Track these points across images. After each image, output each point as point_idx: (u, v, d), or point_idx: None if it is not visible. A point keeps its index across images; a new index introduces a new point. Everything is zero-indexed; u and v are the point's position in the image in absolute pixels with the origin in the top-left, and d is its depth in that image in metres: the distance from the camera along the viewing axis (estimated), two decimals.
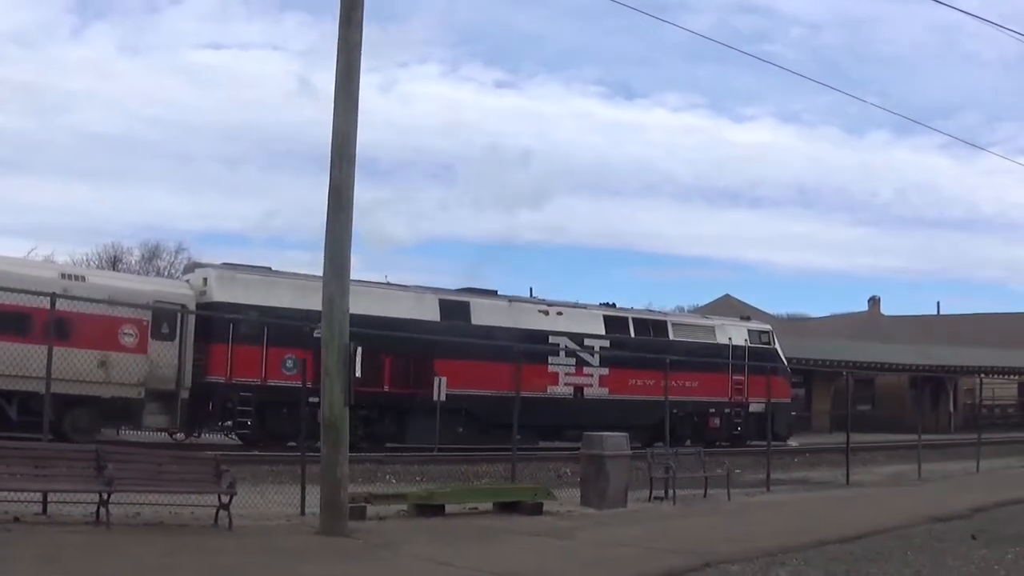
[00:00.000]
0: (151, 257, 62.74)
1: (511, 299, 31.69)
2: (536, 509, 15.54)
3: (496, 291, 31.67)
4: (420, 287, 30.19)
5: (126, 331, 25.00)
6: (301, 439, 15.51)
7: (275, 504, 14.29)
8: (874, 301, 65.55)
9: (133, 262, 60.22)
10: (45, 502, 12.35)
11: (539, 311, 31.67)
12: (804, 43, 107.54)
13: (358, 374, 13.87)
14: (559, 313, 32.02)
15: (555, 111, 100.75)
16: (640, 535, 14.09)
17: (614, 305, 34.55)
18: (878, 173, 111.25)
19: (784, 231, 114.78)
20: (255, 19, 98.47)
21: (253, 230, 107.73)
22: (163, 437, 26.01)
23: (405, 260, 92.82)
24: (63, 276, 25.15)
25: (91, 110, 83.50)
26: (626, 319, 33.60)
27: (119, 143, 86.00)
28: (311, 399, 26.50)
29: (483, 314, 30.05)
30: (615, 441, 17.33)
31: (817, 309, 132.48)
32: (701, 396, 34.27)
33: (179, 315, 25.73)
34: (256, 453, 22.22)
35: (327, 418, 13.02)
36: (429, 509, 14.77)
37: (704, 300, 69.20)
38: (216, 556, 10.81)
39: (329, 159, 13.23)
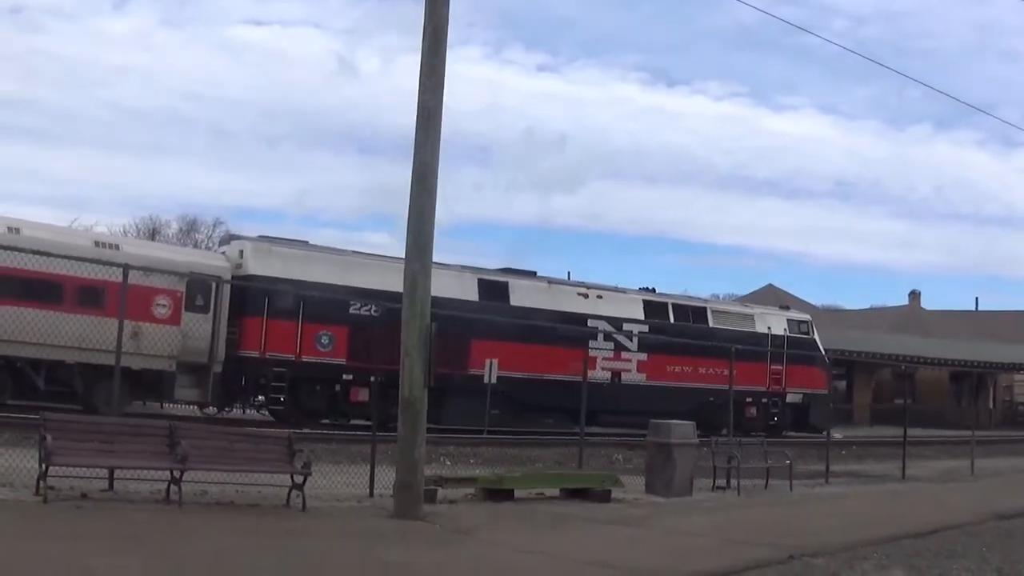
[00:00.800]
0: (189, 230, 62.58)
1: (551, 281, 30.90)
2: (604, 496, 15.21)
3: (535, 272, 30.87)
4: (459, 266, 29.41)
5: (159, 302, 24.31)
6: (373, 419, 14.98)
7: (340, 485, 13.75)
8: (914, 295, 64.58)
9: (171, 235, 59.90)
10: (111, 479, 11.82)
11: (578, 294, 30.91)
12: (847, 35, 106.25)
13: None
14: (599, 296, 31.25)
15: (595, 96, 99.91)
16: (714, 525, 13.68)
17: (654, 290, 33.77)
18: (916, 167, 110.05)
19: (820, 222, 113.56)
20: None
21: (287, 208, 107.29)
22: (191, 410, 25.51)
23: (437, 242, 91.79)
24: (97, 244, 24.50)
25: (131, 84, 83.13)
26: (666, 305, 32.81)
27: (158, 117, 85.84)
28: (344, 376, 26.52)
29: (522, 295, 29.30)
30: (682, 429, 16.96)
31: (852, 301, 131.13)
32: (738, 385, 33.33)
33: (214, 287, 25.10)
34: (311, 431, 21.43)
35: (406, 398, 12.53)
36: (498, 493, 14.36)
37: (738, 289, 68.35)
38: (296, 539, 10.29)
39: (414, 139, 12.74)
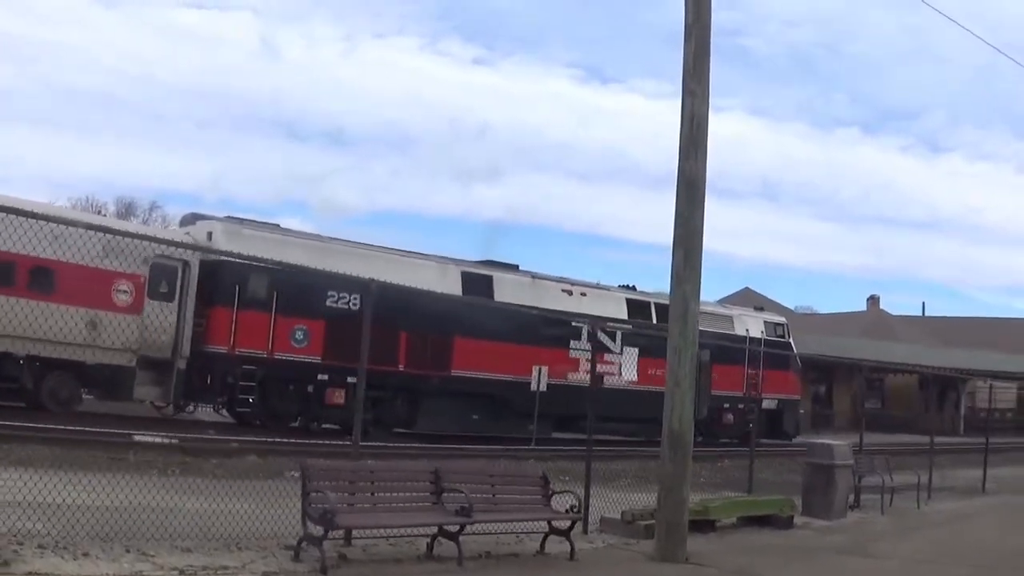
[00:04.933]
0: (126, 213, 58.17)
1: (534, 276, 28.82)
2: (788, 522, 15.06)
3: (518, 265, 28.85)
4: (441, 257, 27.25)
5: (120, 287, 21.72)
6: (589, 435, 13.41)
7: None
8: (873, 300, 64.20)
9: (108, 217, 56.21)
10: (349, 534, 10.02)
11: (563, 291, 28.97)
12: (779, 39, 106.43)
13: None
14: (583, 294, 29.35)
15: (529, 90, 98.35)
16: (932, 550, 13.71)
17: (634, 288, 32.03)
18: (842, 170, 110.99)
19: (746, 223, 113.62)
20: None
21: (204, 191, 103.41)
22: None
23: (354, 228, 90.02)
24: None
25: (65, 61, 78.90)
26: (648, 304, 31.08)
27: (89, 96, 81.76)
28: (320, 376, 24.21)
29: (506, 290, 27.18)
30: (842, 450, 16.87)
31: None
32: (717, 390, 32.16)
33: (179, 272, 22.55)
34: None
35: (674, 431, 11.57)
36: (701, 523, 13.53)
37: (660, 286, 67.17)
38: None
39: (678, 148, 11.90)
